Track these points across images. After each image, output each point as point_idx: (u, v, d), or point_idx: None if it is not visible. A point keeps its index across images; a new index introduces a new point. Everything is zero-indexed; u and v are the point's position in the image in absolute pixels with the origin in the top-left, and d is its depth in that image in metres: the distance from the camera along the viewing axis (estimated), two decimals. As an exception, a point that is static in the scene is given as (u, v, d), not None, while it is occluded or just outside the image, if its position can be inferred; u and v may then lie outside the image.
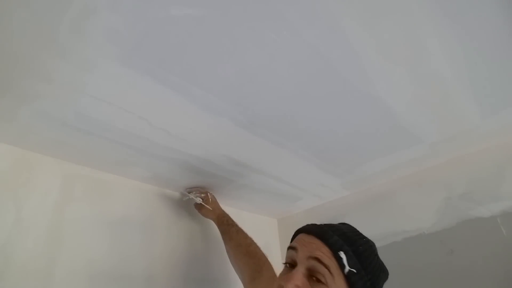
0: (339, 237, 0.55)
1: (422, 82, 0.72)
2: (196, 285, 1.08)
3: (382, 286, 0.56)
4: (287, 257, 0.59)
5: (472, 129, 0.92)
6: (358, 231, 0.60)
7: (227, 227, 1.02)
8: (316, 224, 0.61)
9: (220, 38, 0.58)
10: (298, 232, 0.63)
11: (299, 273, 0.53)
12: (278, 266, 0.89)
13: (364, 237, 0.59)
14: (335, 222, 0.64)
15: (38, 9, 0.50)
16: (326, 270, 0.51)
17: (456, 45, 0.63)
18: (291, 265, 0.57)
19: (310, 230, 0.59)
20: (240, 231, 1.00)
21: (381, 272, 0.56)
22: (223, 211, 1.10)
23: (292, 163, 1.04)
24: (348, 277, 0.51)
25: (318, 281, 0.51)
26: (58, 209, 0.86)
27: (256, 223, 1.41)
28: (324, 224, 0.61)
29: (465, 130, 0.92)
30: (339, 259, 0.51)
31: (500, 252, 0.89)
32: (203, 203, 1.09)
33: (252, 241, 0.96)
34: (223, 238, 1.02)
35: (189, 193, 1.12)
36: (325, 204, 1.39)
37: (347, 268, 0.51)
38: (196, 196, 1.10)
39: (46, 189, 0.86)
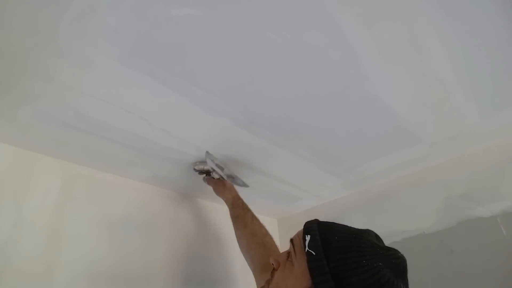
0: (319, 226, 0.58)
1: (422, 82, 0.72)
2: (196, 285, 1.07)
3: (354, 284, 0.50)
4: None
5: (472, 129, 0.92)
6: (356, 234, 0.55)
7: (242, 211, 0.95)
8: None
9: (220, 38, 0.58)
10: None
11: (284, 252, 0.62)
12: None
13: (356, 236, 0.55)
14: (335, 222, 0.61)
15: (38, 9, 0.50)
16: (292, 248, 0.59)
17: (456, 45, 0.63)
18: None
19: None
20: (255, 218, 0.94)
21: (359, 270, 0.50)
22: (237, 193, 1.02)
23: (292, 163, 1.04)
24: (306, 256, 0.54)
25: (289, 257, 0.59)
26: (58, 209, 0.86)
27: (256, 223, 1.41)
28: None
29: (465, 130, 0.92)
30: (304, 241, 0.56)
31: (500, 252, 0.89)
32: (225, 179, 0.98)
33: (267, 231, 0.92)
34: (235, 223, 0.95)
35: (219, 164, 0.94)
36: (325, 204, 1.39)
37: (306, 248, 0.55)
38: (223, 169, 0.94)
39: (46, 189, 0.86)
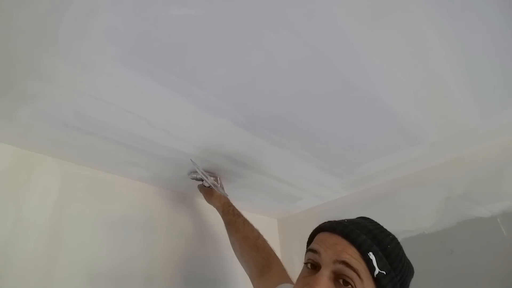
0: (367, 236, 0.51)
1: (422, 82, 0.72)
2: (196, 285, 1.08)
3: (409, 284, 0.53)
4: (307, 258, 0.54)
5: (472, 129, 0.92)
6: (382, 227, 0.55)
7: (233, 217, 0.96)
8: (338, 222, 0.55)
9: (220, 38, 0.58)
10: (318, 230, 0.57)
11: (325, 277, 0.49)
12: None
13: (389, 233, 0.54)
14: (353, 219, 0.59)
15: (38, 9, 0.50)
16: (354, 274, 0.47)
17: (456, 45, 0.63)
18: (313, 265, 0.53)
19: (334, 228, 0.53)
20: (246, 222, 0.95)
21: (409, 270, 0.53)
22: (229, 200, 1.04)
23: (292, 163, 1.04)
24: (377, 279, 0.48)
25: (346, 284, 0.48)
26: (58, 209, 0.86)
27: (256, 223, 1.40)
28: (347, 220, 0.55)
29: (465, 130, 0.92)
30: (368, 261, 0.48)
31: (500, 252, 0.89)
32: (213, 187, 1.00)
33: (260, 234, 0.92)
34: (228, 229, 0.97)
35: (203, 172, 0.97)
36: (325, 204, 1.39)
37: (377, 270, 0.47)
38: (207, 177, 0.97)
39: (46, 189, 0.86)
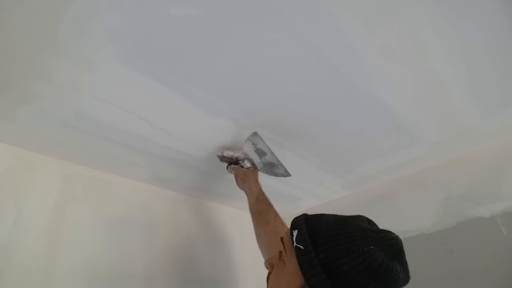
0: (306, 219, 0.56)
1: (422, 82, 0.72)
2: (196, 285, 1.07)
3: (355, 276, 0.47)
4: None
5: (472, 129, 0.92)
6: (345, 220, 0.53)
7: (266, 207, 0.88)
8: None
9: (220, 38, 0.58)
10: None
11: (276, 254, 0.59)
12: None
13: (345, 225, 0.52)
14: (324, 213, 0.59)
15: (38, 9, 0.50)
16: (282, 246, 0.57)
17: (456, 45, 0.63)
18: None
19: None
20: (278, 215, 0.88)
21: (350, 257, 0.48)
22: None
23: (292, 163, 1.04)
24: (296, 252, 0.52)
25: (280, 257, 0.57)
26: (58, 209, 0.86)
27: (256, 223, 1.41)
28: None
29: (465, 130, 0.92)
30: (292, 236, 0.54)
31: (500, 252, 0.89)
32: (257, 167, 0.88)
33: (289, 229, 0.88)
34: (257, 219, 0.88)
35: (254, 147, 0.81)
36: (325, 204, 1.39)
37: (294, 243, 0.53)
38: (258, 153, 0.83)
39: (46, 189, 0.86)
